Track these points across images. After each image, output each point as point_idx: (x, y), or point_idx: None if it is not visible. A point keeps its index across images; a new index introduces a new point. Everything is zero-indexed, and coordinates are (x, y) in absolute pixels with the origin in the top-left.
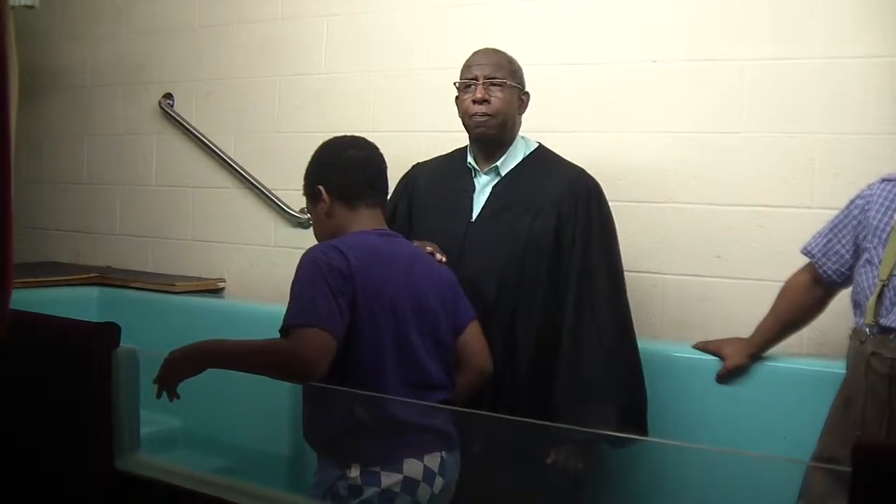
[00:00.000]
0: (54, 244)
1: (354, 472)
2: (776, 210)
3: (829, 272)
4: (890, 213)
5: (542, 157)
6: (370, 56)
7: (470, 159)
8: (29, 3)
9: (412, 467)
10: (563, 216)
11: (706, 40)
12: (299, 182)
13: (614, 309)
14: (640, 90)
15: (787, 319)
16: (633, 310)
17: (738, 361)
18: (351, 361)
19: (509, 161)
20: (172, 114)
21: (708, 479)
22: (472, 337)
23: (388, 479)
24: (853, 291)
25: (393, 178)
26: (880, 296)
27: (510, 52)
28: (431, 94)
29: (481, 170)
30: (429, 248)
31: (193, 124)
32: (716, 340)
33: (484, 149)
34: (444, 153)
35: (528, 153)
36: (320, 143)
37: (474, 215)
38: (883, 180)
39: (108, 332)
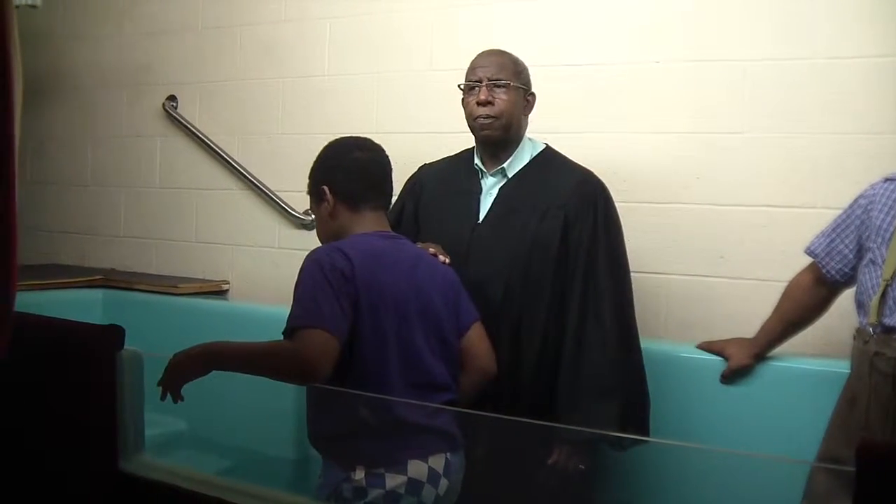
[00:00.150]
0: (58, 246)
1: (359, 474)
2: (779, 210)
3: (833, 272)
4: (893, 212)
5: (548, 159)
6: (372, 57)
7: (477, 161)
8: (31, 2)
9: (416, 469)
10: (570, 218)
11: (709, 41)
12: (303, 184)
13: (619, 311)
14: (643, 91)
15: (791, 319)
16: (637, 310)
17: (743, 362)
18: (354, 363)
19: (516, 162)
20: (176, 116)
21: (711, 480)
22: (476, 338)
23: (393, 480)
24: (857, 291)
25: (396, 180)
26: (884, 295)
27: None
28: (434, 95)
29: (488, 171)
30: (431, 250)
31: (197, 126)
32: (719, 341)
33: (490, 150)
34: (448, 154)
35: (535, 154)
36: (323, 144)
37: (481, 217)
38: (886, 180)
39: (113, 335)
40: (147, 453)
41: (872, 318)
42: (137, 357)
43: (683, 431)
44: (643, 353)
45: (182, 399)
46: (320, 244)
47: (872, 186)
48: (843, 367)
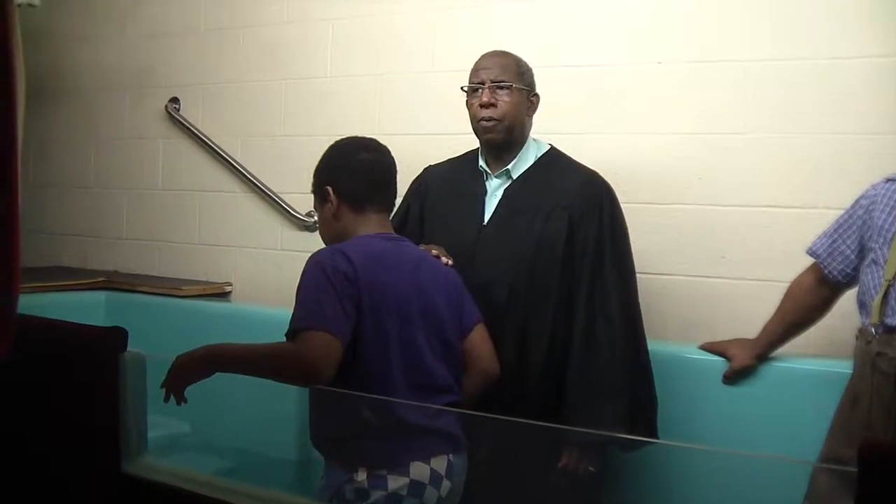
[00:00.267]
0: (61, 248)
1: (361, 476)
2: (781, 210)
3: (835, 272)
4: (895, 213)
5: (553, 160)
6: (374, 59)
7: (481, 162)
8: (30, 0)
9: (419, 470)
10: (575, 219)
11: (710, 41)
12: (306, 185)
13: (627, 311)
14: (645, 92)
15: (793, 320)
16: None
17: (745, 362)
18: (357, 364)
19: (521, 164)
20: (179, 118)
21: (714, 480)
22: (479, 339)
23: (395, 482)
24: (859, 291)
25: (399, 181)
26: (886, 296)
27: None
28: (435, 96)
29: (493, 173)
30: (434, 252)
31: (200, 128)
32: (722, 341)
33: (494, 152)
34: (450, 155)
35: (539, 155)
36: (326, 146)
37: (486, 218)
38: (887, 180)
39: (116, 337)
40: (150, 455)
41: (875, 319)
42: (140, 359)
43: (686, 432)
44: None
45: (185, 401)
46: (323, 245)
47: (874, 187)
48: (845, 367)
